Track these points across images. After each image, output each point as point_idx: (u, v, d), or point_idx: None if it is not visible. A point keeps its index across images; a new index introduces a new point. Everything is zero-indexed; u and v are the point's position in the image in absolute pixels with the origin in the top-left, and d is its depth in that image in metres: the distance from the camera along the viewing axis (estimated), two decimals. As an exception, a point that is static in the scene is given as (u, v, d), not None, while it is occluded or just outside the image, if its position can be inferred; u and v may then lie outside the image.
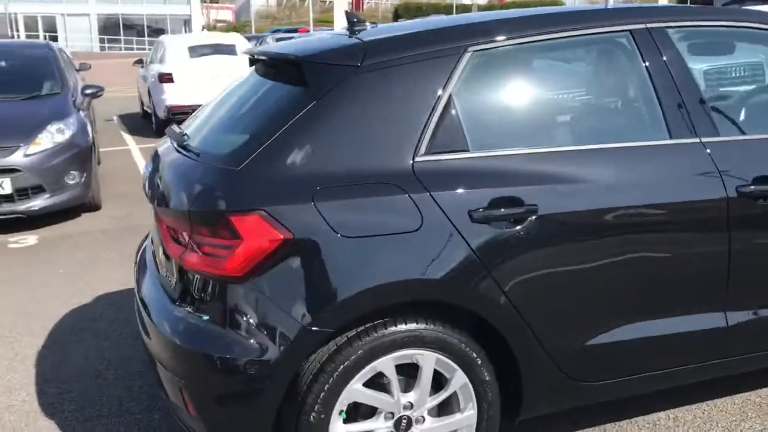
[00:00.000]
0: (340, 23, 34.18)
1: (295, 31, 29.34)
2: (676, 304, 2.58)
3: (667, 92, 2.58)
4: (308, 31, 26.58)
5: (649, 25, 2.65)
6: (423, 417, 2.39)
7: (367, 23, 2.84)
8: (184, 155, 2.52)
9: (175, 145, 2.64)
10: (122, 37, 53.05)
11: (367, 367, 2.25)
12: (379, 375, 2.30)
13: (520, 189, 2.34)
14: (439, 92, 2.37)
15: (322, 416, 2.23)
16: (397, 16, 60.14)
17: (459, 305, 2.32)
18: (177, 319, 2.32)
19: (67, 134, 6.37)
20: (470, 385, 2.38)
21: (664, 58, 2.61)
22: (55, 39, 50.51)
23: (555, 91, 2.68)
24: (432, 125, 2.34)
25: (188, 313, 2.30)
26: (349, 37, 2.65)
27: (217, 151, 2.42)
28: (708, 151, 2.56)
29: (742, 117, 2.91)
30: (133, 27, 53.82)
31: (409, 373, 2.35)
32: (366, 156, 2.29)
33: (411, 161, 2.30)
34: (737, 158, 2.60)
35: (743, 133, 2.74)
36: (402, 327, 2.27)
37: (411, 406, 2.35)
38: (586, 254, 2.42)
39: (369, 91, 2.35)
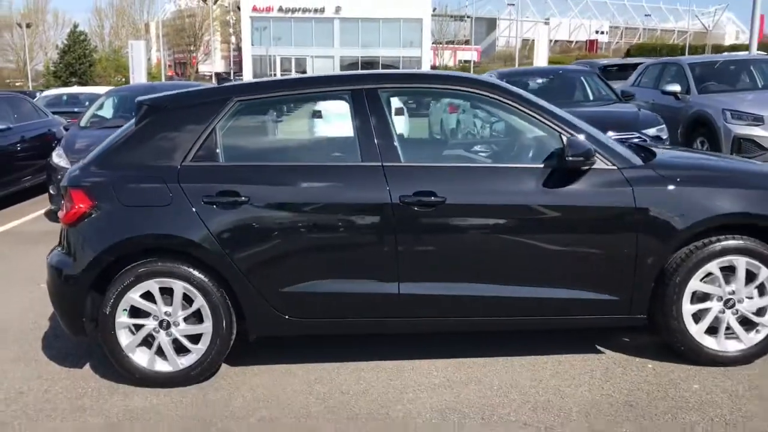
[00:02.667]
0: (541, 62, 35.15)
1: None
2: (355, 271, 3.80)
3: (365, 132, 3.84)
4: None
5: (364, 87, 3.93)
6: (178, 322, 3.87)
7: (234, 79, 4.42)
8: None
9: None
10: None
11: (139, 285, 3.80)
12: (160, 291, 3.82)
13: (240, 186, 3.77)
14: (208, 124, 3.88)
15: (110, 311, 3.81)
16: (629, 56, 59.01)
17: (193, 254, 3.79)
18: (53, 254, 4.05)
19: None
20: (207, 306, 3.83)
21: (369, 110, 3.87)
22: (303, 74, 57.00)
23: (288, 128, 4.07)
24: (199, 143, 3.87)
25: (59, 249, 4.04)
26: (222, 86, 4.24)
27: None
28: (384, 171, 3.78)
29: (424, 149, 4.04)
30: (370, 68, 58.86)
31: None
32: (154, 160, 3.87)
33: (178, 165, 3.84)
34: (407, 178, 3.77)
35: (422, 161, 3.90)
36: (161, 264, 3.81)
37: (169, 314, 3.86)
38: (283, 230, 3.77)
39: (166, 122, 3.94)
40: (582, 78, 11.17)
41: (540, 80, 11.47)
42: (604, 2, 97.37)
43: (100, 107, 10.75)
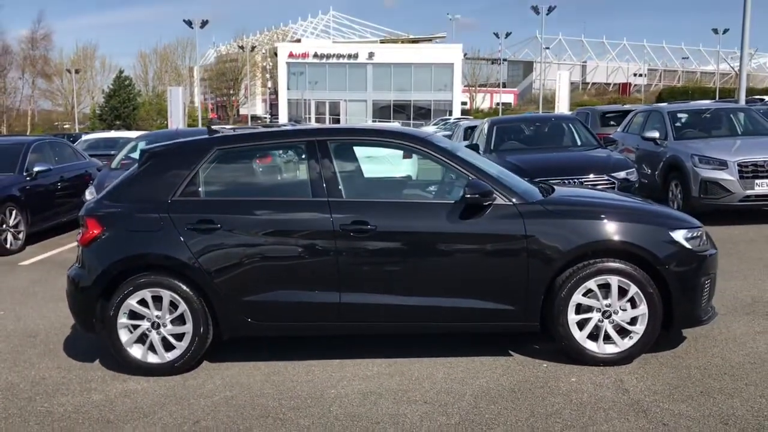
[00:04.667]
0: (562, 106, 36.12)
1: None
2: (305, 284, 4.79)
3: (315, 174, 4.87)
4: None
5: (316, 139, 4.98)
6: (166, 324, 4.89)
7: (223, 130, 5.51)
8: None
9: None
10: (391, 119, 59.95)
11: (136, 293, 4.84)
12: (152, 298, 4.86)
13: (214, 215, 4.82)
14: (193, 166, 4.96)
15: (113, 313, 4.86)
16: (660, 99, 59.53)
17: (177, 269, 4.83)
18: (72, 268, 5.14)
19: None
20: (188, 311, 4.85)
21: (320, 157, 4.90)
22: (337, 120, 58.86)
23: (257, 170, 5.13)
24: (186, 182, 4.94)
25: (77, 265, 5.12)
26: (206, 137, 5.33)
27: None
28: (329, 206, 4.79)
29: (363, 188, 5.07)
30: (402, 111, 60.59)
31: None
32: (150, 194, 4.95)
33: (169, 199, 4.91)
34: (346, 211, 4.77)
35: (360, 197, 4.91)
36: (152, 276, 4.85)
37: (159, 317, 4.89)
38: (247, 251, 4.79)
39: (161, 166, 5.03)
40: (570, 125, 12.12)
41: (530, 127, 12.47)
42: (642, 45, 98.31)
43: (131, 150, 12.01)
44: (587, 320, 4.75)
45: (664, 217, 4.96)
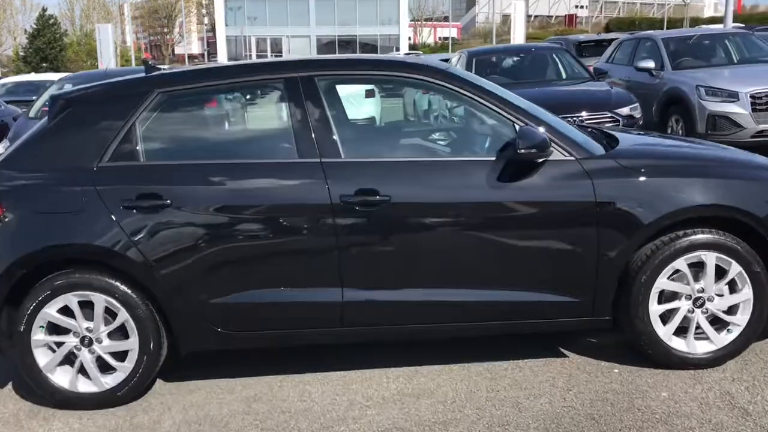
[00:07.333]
0: (519, 39, 34.82)
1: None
2: (293, 279, 3.46)
3: (301, 124, 3.49)
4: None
5: (299, 75, 3.57)
6: (101, 338, 3.52)
7: (163, 68, 4.04)
8: None
9: None
10: (337, 54, 57.66)
11: (55, 299, 3.44)
12: (79, 305, 3.47)
13: (162, 188, 3.41)
14: (127, 118, 3.51)
15: (25, 327, 3.46)
16: (608, 30, 58.44)
17: (112, 264, 3.43)
18: None
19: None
20: (132, 321, 3.48)
21: (305, 100, 3.51)
22: (279, 55, 56.28)
23: (216, 122, 3.71)
24: (117, 141, 3.49)
25: None
26: (142, 76, 3.86)
27: None
28: (323, 168, 3.43)
29: (369, 142, 3.70)
30: (348, 46, 58.16)
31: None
32: (68, 161, 3.49)
33: (95, 165, 3.47)
34: (348, 175, 3.42)
35: (366, 156, 3.55)
36: (77, 274, 3.45)
37: (90, 330, 3.51)
38: (210, 236, 3.42)
39: (81, 118, 3.56)
40: (554, 56, 10.84)
41: (513, 59, 11.15)
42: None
43: (53, 96, 10.26)
44: (673, 311, 3.56)
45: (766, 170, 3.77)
